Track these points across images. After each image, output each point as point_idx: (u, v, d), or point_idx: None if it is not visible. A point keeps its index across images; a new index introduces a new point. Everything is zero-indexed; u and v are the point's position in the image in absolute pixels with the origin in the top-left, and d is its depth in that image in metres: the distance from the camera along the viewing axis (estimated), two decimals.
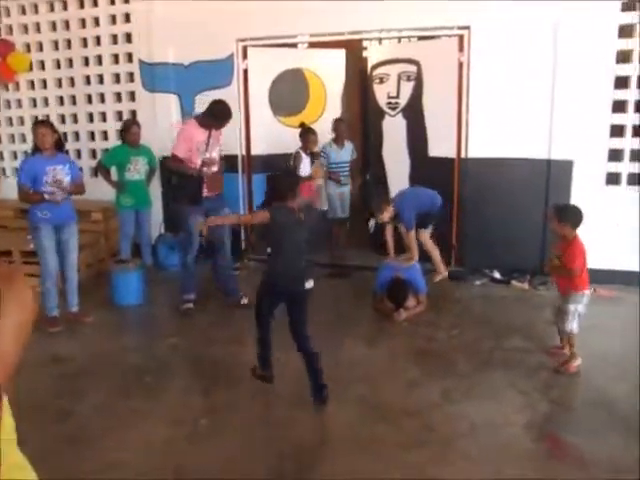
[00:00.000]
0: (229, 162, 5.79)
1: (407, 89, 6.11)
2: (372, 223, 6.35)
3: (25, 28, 7.07)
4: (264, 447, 3.09)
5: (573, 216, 3.80)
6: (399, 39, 6.55)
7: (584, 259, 3.80)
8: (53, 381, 3.87)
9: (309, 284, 3.47)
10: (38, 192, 4.49)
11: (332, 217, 6.28)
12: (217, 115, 4.77)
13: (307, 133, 5.84)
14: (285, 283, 3.48)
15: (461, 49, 5.57)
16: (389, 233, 5.55)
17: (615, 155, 5.40)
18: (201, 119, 4.84)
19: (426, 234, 5.56)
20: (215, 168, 4.90)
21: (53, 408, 3.50)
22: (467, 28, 5.49)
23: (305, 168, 5.88)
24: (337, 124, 6.14)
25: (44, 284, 4.63)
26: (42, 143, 4.51)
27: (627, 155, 5.38)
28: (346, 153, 6.18)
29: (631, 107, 5.29)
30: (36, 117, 6.79)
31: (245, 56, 6.25)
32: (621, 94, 5.28)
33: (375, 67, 6.36)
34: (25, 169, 4.55)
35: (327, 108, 6.61)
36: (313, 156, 5.97)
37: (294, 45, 6.58)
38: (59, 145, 4.68)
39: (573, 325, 3.83)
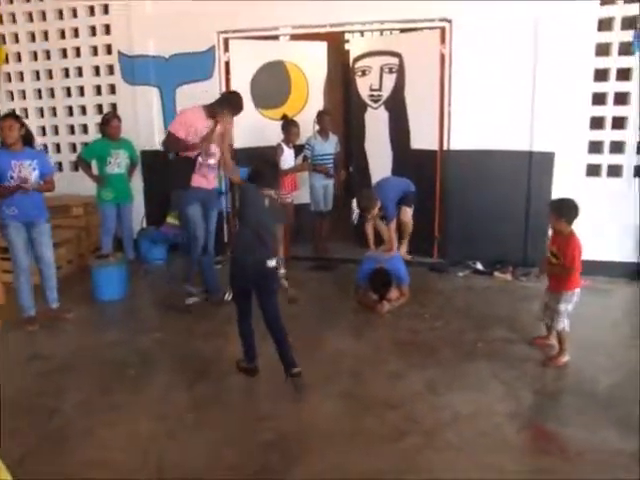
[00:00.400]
0: None
1: (389, 81, 6.11)
2: (356, 214, 6.37)
3: (0, 19, 6.93)
4: (249, 441, 3.07)
5: (569, 211, 3.76)
6: (381, 32, 6.54)
7: (581, 256, 3.77)
8: (34, 379, 3.81)
9: (271, 263, 3.53)
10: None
11: (315, 210, 6.27)
12: (233, 106, 4.64)
13: (289, 125, 5.82)
14: (244, 256, 3.53)
15: (443, 41, 5.58)
16: (370, 226, 5.55)
17: (595, 147, 5.45)
18: (209, 108, 4.64)
19: (410, 212, 5.65)
20: (212, 161, 4.77)
21: (35, 407, 3.45)
22: (449, 21, 5.50)
23: (287, 160, 5.87)
24: (321, 116, 6.13)
25: (17, 281, 4.58)
26: (6, 137, 4.34)
27: (607, 147, 5.44)
28: (330, 145, 6.19)
29: (610, 99, 5.34)
30: (13, 110, 6.69)
31: (226, 48, 6.19)
32: (600, 87, 5.33)
33: (357, 59, 6.35)
34: None
35: (309, 101, 6.59)
36: (296, 149, 5.96)
37: (276, 37, 6.54)
38: (27, 139, 4.50)
39: (565, 323, 3.83)
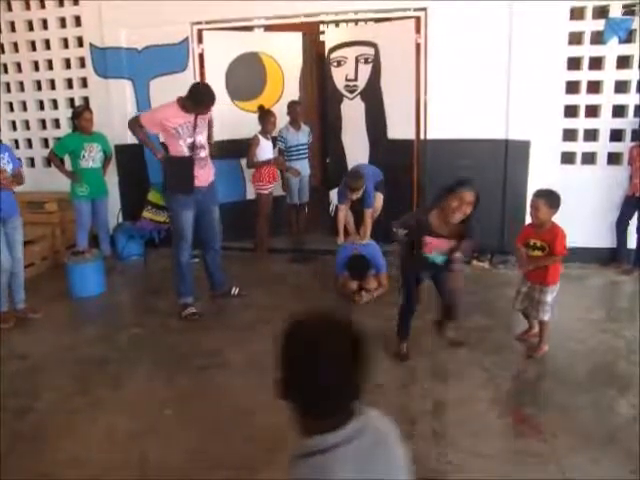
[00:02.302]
0: None
1: (365, 72, 6.10)
2: (333, 205, 6.38)
3: None
4: (231, 435, 3.05)
5: (559, 201, 3.72)
6: (356, 22, 6.51)
7: None
8: (8, 379, 3.73)
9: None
10: None
11: (290, 202, 6.24)
12: (197, 100, 4.36)
13: (265, 115, 5.78)
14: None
15: (418, 31, 5.58)
16: (342, 215, 5.46)
17: (570, 135, 5.51)
18: (183, 102, 4.41)
19: (382, 199, 5.60)
20: (203, 154, 4.53)
21: (10, 407, 3.38)
22: (424, 10, 5.50)
23: (265, 152, 5.82)
24: (292, 107, 6.06)
25: None
26: None
27: (581, 135, 5.50)
28: (303, 136, 6.13)
29: (584, 88, 5.40)
30: None
31: (200, 40, 6.12)
32: (574, 75, 5.38)
33: (332, 50, 6.32)
34: None
35: (285, 92, 6.54)
36: (274, 140, 5.92)
37: (250, 29, 6.48)
38: None
39: (548, 315, 3.83)
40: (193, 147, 4.44)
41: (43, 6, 6.52)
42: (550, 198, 3.72)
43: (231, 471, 2.77)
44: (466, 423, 3.10)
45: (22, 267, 4.68)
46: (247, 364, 3.81)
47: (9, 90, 6.82)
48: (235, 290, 5.06)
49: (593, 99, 5.42)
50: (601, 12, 5.20)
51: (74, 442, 3.02)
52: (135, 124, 4.45)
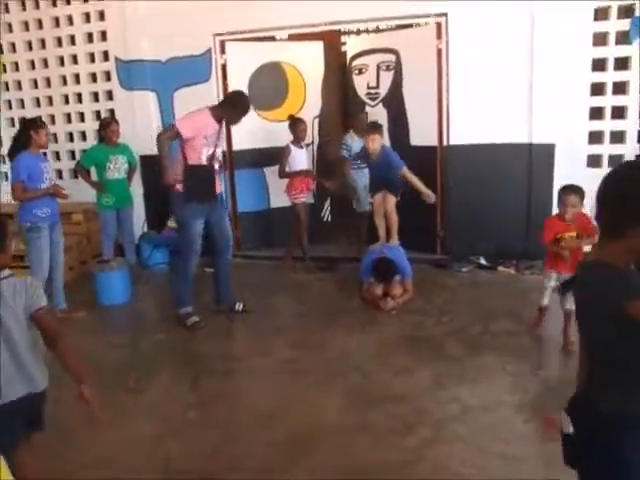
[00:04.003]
0: None
1: (387, 79, 6.11)
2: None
3: None
4: (253, 438, 3.04)
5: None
6: (377, 29, 6.53)
7: None
8: None
9: None
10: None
11: (360, 210, 6.08)
12: (238, 106, 4.42)
13: (295, 123, 5.77)
14: None
15: (439, 36, 5.57)
16: (379, 217, 5.33)
17: (595, 137, 5.43)
18: (216, 110, 4.42)
19: (394, 202, 5.26)
20: (217, 166, 4.55)
21: None
22: (444, 15, 5.49)
23: (297, 160, 5.80)
24: (359, 116, 6.06)
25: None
26: (45, 143, 4.70)
27: (607, 137, 5.41)
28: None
29: (609, 89, 5.32)
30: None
31: (223, 51, 6.20)
32: (599, 77, 5.31)
33: (354, 58, 6.35)
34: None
35: (307, 101, 6.58)
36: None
37: (272, 38, 6.53)
38: None
39: None
40: (212, 158, 4.46)
41: (71, 22, 6.67)
42: (582, 192, 3.79)
43: (250, 473, 2.77)
44: (492, 427, 3.04)
45: (62, 271, 4.89)
46: (271, 370, 3.82)
47: (38, 104, 6.98)
48: (239, 306, 4.85)
49: (619, 100, 5.34)
50: (626, 12, 5.13)
51: (97, 443, 3.03)
52: (164, 138, 4.39)
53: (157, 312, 5.14)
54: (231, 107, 4.42)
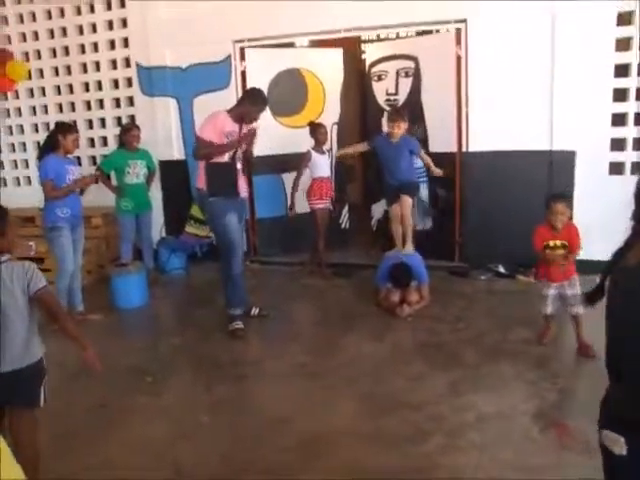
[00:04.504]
0: None
1: (406, 85, 6.08)
2: (375, 220, 6.32)
3: (23, 36, 7.09)
4: (265, 442, 3.02)
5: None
6: (397, 35, 6.53)
7: None
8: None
9: None
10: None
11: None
12: (255, 99, 4.42)
13: (316, 128, 5.77)
14: None
15: (459, 43, 5.54)
16: (396, 223, 5.29)
17: (617, 144, 5.34)
18: (234, 110, 4.44)
19: (410, 204, 5.24)
20: (239, 166, 4.51)
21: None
22: (464, 21, 5.46)
23: (318, 166, 5.79)
24: (320, 128, 5.83)
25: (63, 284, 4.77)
26: (74, 148, 4.89)
27: (630, 144, 5.32)
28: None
29: (632, 95, 5.23)
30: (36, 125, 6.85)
31: (242, 57, 6.24)
32: (622, 82, 5.23)
33: (373, 64, 6.34)
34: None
35: (326, 107, 6.58)
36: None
37: (291, 45, 6.56)
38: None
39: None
40: (234, 158, 4.43)
41: (95, 30, 6.78)
42: (569, 200, 3.86)
43: (261, 476, 2.75)
44: (507, 436, 2.98)
45: (80, 273, 5.00)
46: (285, 375, 3.81)
47: (61, 110, 7.09)
48: (255, 310, 4.81)
49: None
50: None
51: (108, 444, 3.04)
52: (200, 145, 4.35)
53: (173, 316, 5.17)
54: (248, 103, 4.42)
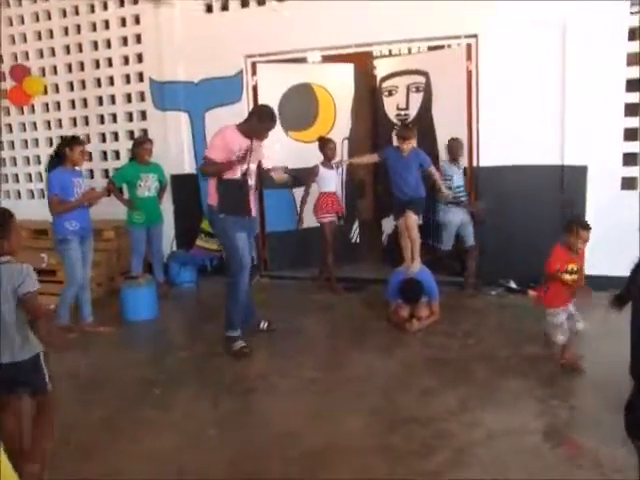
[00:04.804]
0: None
1: (416, 100, 6.11)
2: (385, 235, 6.30)
3: (40, 53, 7.21)
4: (271, 456, 3.00)
5: None
6: (409, 50, 6.56)
7: None
8: (60, 394, 3.81)
9: None
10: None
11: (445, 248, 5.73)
12: (264, 118, 4.31)
13: (324, 143, 5.80)
14: None
15: (469, 58, 5.55)
16: (405, 239, 5.28)
17: (630, 159, 5.30)
18: (243, 126, 4.33)
19: (415, 220, 5.15)
20: (251, 182, 4.39)
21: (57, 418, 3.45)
22: (474, 36, 5.48)
23: (326, 181, 5.81)
24: (454, 143, 5.62)
25: (70, 297, 4.82)
26: (81, 160, 4.89)
27: None
28: (462, 175, 5.67)
29: None
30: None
31: (254, 72, 6.30)
32: (633, 97, 5.20)
33: (384, 79, 6.38)
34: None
35: (337, 122, 6.60)
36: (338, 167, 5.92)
37: (303, 60, 6.61)
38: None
39: None
40: (246, 174, 4.32)
41: (109, 45, 6.88)
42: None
43: None
44: (517, 454, 2.93)
45: (89, 285, 5.04)
46: (293, 389, 3.79)
47: (75, 124, 7.18)
48: (264, 324, 4.78)
49: None
50: None
51: (114, 455, 3.04)
52: (207, 164, 4.30)
53: (182, 329, 5.17)
54: (257, 120, 4.31)
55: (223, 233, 4.38)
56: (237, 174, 4.30)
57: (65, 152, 4.73)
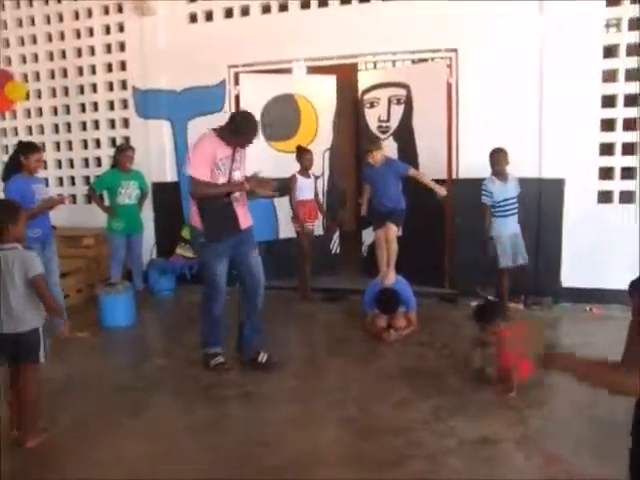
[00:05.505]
0: None
1: (397, 112, 6.17)
2: (365, 246, 6.33)
3: (23, 58, 7.19)
4: (245, 465, 2.99)
5: None
6: (393, 63, 6.64)
7: None
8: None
9: None
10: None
11: (507, 264, 5.18)
12: (241, 129, 3.90)
13: (302, 153, 5.84)
14: None
15: (449, 71, 5.63)
16: (381, 248, 5.29)
17: (606, 173, 5.40)
18: (223, 133, 3.93)
19: (395, 231, 5.18)
20: (238, 193, 4.03)
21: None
22: (455, 50, 5.56)
23: (302, 191, 5.85)
24: (497, 155, 5.09)
25: None
26: (38, 167, 4.77)
27: (618, 173, 5.37)
28: (511, 188, 5.15)
29: (619, 125, 5.30)
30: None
31: (237, 82, 6.33)
32: (609, 113, 5.31)
33: (366, 92, 6.44)
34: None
35: (318, 133, 6.64)
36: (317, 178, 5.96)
37: (286, 71, 6.66)
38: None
39: None
40: (229, 194, 3.96)
41: (93, 53, 6.89)
42: None
43: None
44: (489, 462, 2.95)
45: (60, 292, 4.91)
46: (267, 398, 3.79)
47: (57, 131, 7.15)
48: (263, 357, 4.21)
49: (629, 136, 5.30)
50: (636, 49, 5.14)
51: (85, 462, 3.01)
52: (197, 187, 3.87)
53: (160, 337, 5.15)
54: (237, 129, 3.90)
55: (203, 259, 4.09)
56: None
57: (20, 160, 4.63)
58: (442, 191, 5.18)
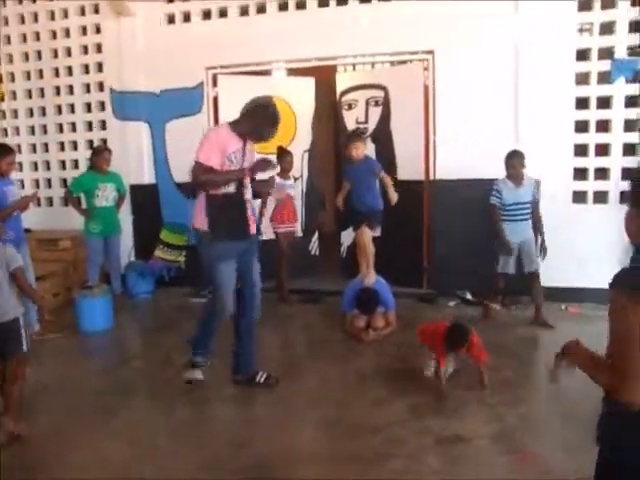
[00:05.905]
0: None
1: (375, 114, 6.21)
2: (344, 247, 6.35)
3: None
4: (225, 466, 2.98)
5: None
6: (372, 65, 6.67)
7: None
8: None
9: None
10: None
11: (501, 271, 5.12)
12: (268, 117, 3.60)
13: (282, 155, 5.82)
14: None
15: (426, 73, 5.68)
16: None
17: (580, 174, 5.48)
18: (238, 125, 3.63)
19: (369, 235, 5.11)
20: (248, 195, 3.71)
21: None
22: (431, 52, 5.62)
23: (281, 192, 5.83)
24: (512, 159, 4.96)
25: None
26: (9, 170, 4.71)
27: (592, 174, 5.46)
28: (525, 192, 4.98)
29: (593, 127, 5.40)
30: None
31: (215, 84, 6.32)
32: (582, 114, 5.40)
33: (344, 93, 6.47)
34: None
35: (297, 135, 6.65)
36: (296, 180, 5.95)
37: (265, 72, 6.66)
38: None
39: None
40: (240, 184, 3.62)
41: (69, 54, 6.82)
42: None
43: None
44: (465, 459, 2.99)
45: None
46: (245, 399, 3.79)
47: (33, 133, 7.07)
48: (261, 377, 3.94)
49: (603, 138, 5.41)
50: (607, 52, 5.25)
51: (63, 467, 2.98)
52: (200, 171, 3.51)
53: (137, 339, 5.10)
54: (261, 119, 3.59)
55: (211, 261, 3.64)
56: (231, 187, 3.59)
57: None
58: (393, 199, 5.10)
